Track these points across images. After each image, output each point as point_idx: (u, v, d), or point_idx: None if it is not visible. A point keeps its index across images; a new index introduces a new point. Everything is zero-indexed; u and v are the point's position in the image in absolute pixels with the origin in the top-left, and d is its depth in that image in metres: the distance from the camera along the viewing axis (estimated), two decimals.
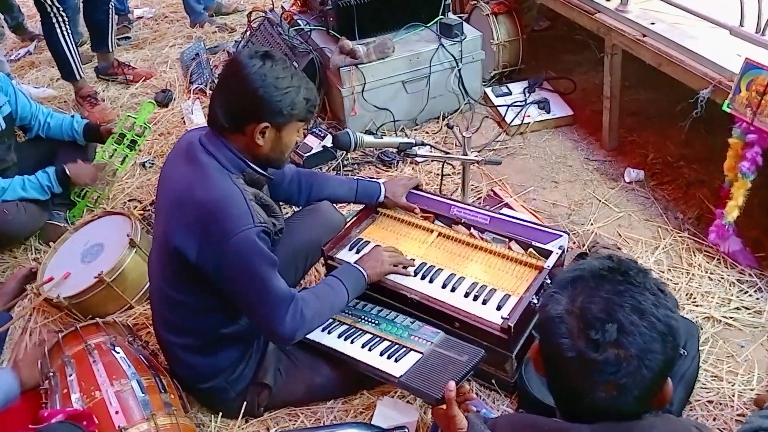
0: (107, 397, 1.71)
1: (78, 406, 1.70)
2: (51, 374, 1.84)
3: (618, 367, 0.96)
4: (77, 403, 1.72)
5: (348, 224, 2.22)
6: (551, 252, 1.99)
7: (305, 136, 3.00)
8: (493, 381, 1.97)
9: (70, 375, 1.79)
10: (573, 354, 0.98)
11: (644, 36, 2.50)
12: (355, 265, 1.94)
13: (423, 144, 2.25)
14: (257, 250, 1.66)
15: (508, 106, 3.19)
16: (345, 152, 2.94)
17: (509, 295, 1.92)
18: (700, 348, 2.01)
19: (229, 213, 1.66)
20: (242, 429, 1.94)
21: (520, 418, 1.14)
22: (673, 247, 2.44)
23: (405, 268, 2.01)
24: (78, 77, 3.57)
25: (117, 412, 1.68)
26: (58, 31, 3.43)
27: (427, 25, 3.21)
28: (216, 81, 3.54)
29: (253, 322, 1.81)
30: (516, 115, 3.14)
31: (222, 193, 1.68)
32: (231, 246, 1.64)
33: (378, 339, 1.90)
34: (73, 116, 2.96)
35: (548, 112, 3.17)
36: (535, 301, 1.89)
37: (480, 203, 2.67)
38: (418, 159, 2.94)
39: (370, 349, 1.87)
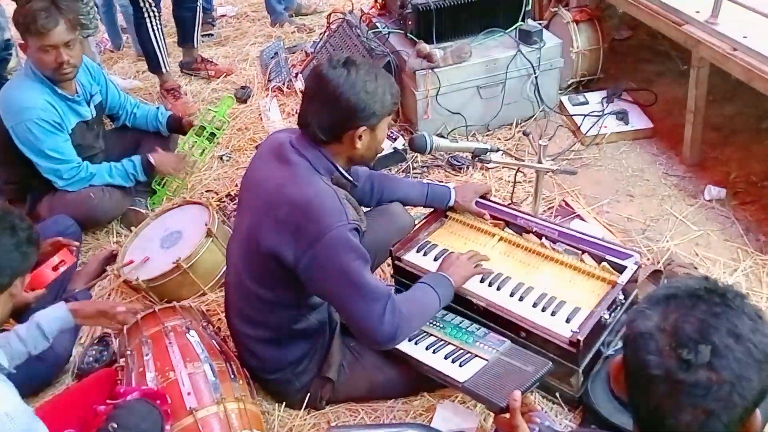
0: (180, 378, 1.78)
1: (152, 385, 1.77)
2: (128, 353, 1.92)
3: (708, 390, 0.92)
4: (152, 382, 1.79)
5: (417, 226, 2.23)
6: (626, 267, 1.94)
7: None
8: (557, 394, 1.94)
9: (147, 354, 1.87)
10: (660, 372, 0.95)
11: (735, 50, 2.41)
12: (439, 272, 1.94)
13: (497, 150, 2.23)
14: (351, 245, 1.69)
15: (585, 115, 3.13)
16: (417, 155, 2.95)
17: (579, 308, 1.88)
18: None
19: (323, 209, 1.69)
20: (304, 420, 1.98)
21: None
22: (753, 270, 2.34)
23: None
24: (164, 71, 3.73)
25: (189, 393, 1.74)
26: (149, 25, 3.59)
27: (506, 31, 3.19)
28: (293, 80, 3.66)
29: (349, 322, 1.79)
30: (592, 125, 3.07)
31: (315, 191, 1.72)
32: (326, 242, 1.67)
33: (443, 343, 1.90)
34: (158, 108, 3.09)
35: (627, 123, 3.09)
36: (607, 316, 1.85)
37: (552, 214, 2.63)
38: (489, 165, 2.92)
39: (434, 352, 1.87)
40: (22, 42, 2.53)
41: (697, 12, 2.63)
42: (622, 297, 1.92)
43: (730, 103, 3.15)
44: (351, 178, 1.85)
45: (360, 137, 1.75)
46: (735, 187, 2.72)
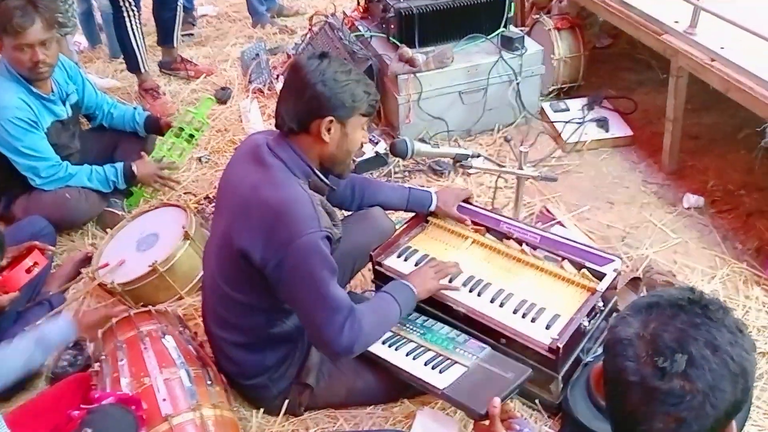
0: (156, 384, 1.75)
1: (127, 391, 1.74)
2: (102, 357, 1.89)
3: (681, 399, 0.93)
4: (126, 387, 1.76)
5: (398, 232, 2.22)
6: (605, 274, 1.95)
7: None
8: (537, 401, 1.94)
9: (121, 360, 1.84)
10: (636, 379, 0.96)
11: (713, 60, 2.44)
12: (404, 282, 1.93)
13: (478, 156, 2.23)
14: (321, 254, 1.68)
15: (566, 122, 3.15)
16: (399, 159, 2.94)
17: (559, 315, 1.89)
18: (754, 384, 1.94)
19: (295, 215, 1.67)
20: (282, 426, 1.95)
21: None
22: (731, 277, 2.36)
23: (451, 281, 2.00)
24: (143, 70, 3.68)
25: (164, 400, 1.71)
26: (128, 24, 3.54)
27: (488, 37, 3.20)
28: (274, 82, 3.63)
29: (309, 330, 1.79)
30: (573, 132, 3.09)
31: (289, 195, 1.70)
32: (295, 248, 1.65)
33: (422, 349, 1.89)
34: (135, 108, 3.05)
35: (607, 131, 3.12)
36: (586, 323, 1.86)
37: (532, 220, 2.64)
38: (471, 171, 2.92)
39: (414, 358, 1.86)
40: None
41: (676, 22, 2.66)
42: (601, 304, 1.93)
43: (708, 113, 3.19)
44: (328, 182, 1.83)
45: (329, 130, 1.72)
46: (713, 196, 2.75)
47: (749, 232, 2.54)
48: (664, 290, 1.04)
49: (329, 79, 1.69)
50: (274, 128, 1.84)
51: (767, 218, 2.58)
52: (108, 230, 2.65)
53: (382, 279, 2.13)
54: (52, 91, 2.66)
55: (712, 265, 2.43)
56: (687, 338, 0.94)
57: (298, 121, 1.74)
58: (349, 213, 2.29)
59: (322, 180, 1.80)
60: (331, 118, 1.71)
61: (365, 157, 3.01)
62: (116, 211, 2.80)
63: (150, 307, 2.08)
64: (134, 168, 2.74)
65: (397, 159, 3.02)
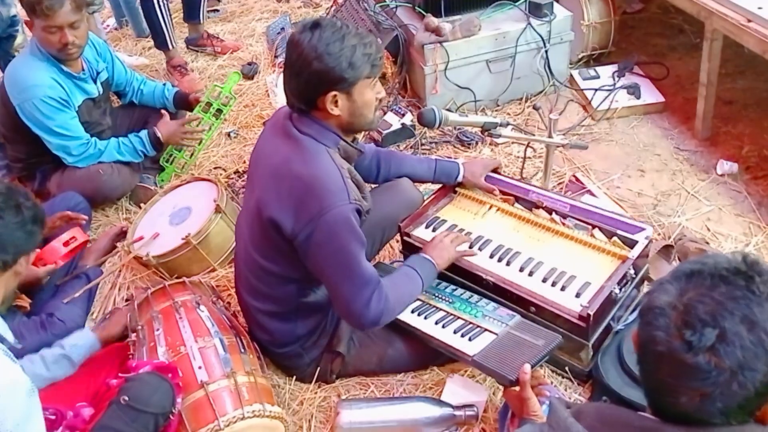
0: (191, 352, 1.79)
1: (164, 359, 1.79)
2: (139, 327, 1.93)
3: (707, 375, 0.90)
4: (163, 356, 1.80)
5: (426, 202, 2.22)
6: (636, 242, 1.93)
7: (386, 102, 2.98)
8: (567, 369, 1.94)
9: (158, 329, 1.88)
10: (663, 349, 0.94)
11: (749, 21, 2.36)
12: (423, 255, 1.94)
13: (507, 124, 2.21)
14: (350, 226, 1.69)
15: (596, 89, 3.09)
16: (427, 129, 2.93)
17: (589, 283, 1.88)
18: None
19: (326, 188, 1.68)
20: (314, 393, 1.99)
21: (610, 411, 1.10)
22: (765, 244, 2.32)
23: (470, 247, 2.01)
24: (170, 47, 3.70)
25: (200, 367, 1.75)
26: (155, 2, 3.55)
27: (516, 4, 3.14)
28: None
29: (336, 302, 1.81)
30: (603, 100, 3.04)
31: (320, 168, 1.71)
32: (325, 220, 1.67)
33: (452, 317, 1.90)
34: (164, 84, 3.08)
35: (638, 97, 3.05)
36: (617, 291, 1.84)
37: (562, 189, 2.61)
38: (498, 140, 2.90)
39: (443, 326, 1.88)
40: (29, 19, 2.51)
41: None
42: (632, 272, 1.91)
43: (743, 77, 3.11)
44: (356, 146, 1.83)
45: (335, 103, 1.70)
46: (747, 162, 2.69)
47: None
48: (714, 255, 0.99)
49: (323, 54, 1.64)
50: None
51: None
52: (141, 205, 2.70)
53: (410, 250, 2.13)
54: (83, 70, 2.69)
55: (746, 232, 2.38)
56: (722, 311, 0.91)
57: (304, 100, 1.73)
58: (376, 185, 2.30)
59: (350, 144, 1.80)
60: (333, 92, 1.68)
61: (392, 129, 3.00)
62: (149, 186, 2.85)
63: (184, 278, 2.11)
64: (157, 132, 2.77)
65: (423, 130, 3.01)
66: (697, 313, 0.92)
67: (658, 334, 0.94)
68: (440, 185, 2.27)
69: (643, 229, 1.97)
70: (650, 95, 3.08)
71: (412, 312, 1.93)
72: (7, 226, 1.55)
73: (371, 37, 1.76)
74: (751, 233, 2.37)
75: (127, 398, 1.56)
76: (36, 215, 1.63)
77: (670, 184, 2.65)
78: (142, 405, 1.57)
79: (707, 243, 2.29)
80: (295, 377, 2.03)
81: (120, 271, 2.50)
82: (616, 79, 3.14)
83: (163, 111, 2.87)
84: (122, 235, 2.60)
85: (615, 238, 1.98)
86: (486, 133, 2.19)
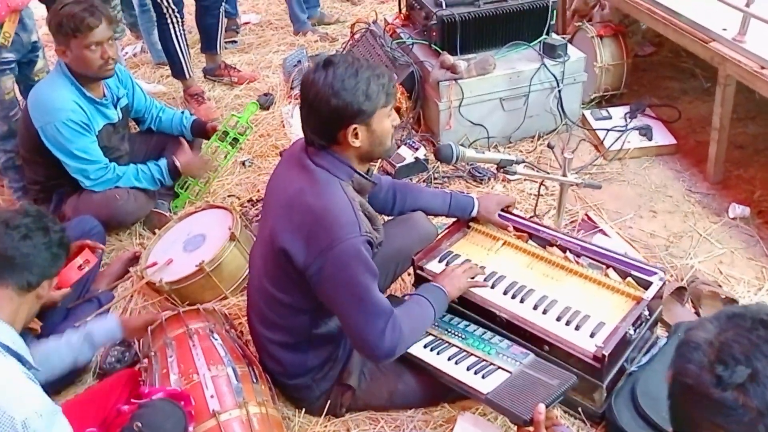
0: (204, 380, 1.79)
1: (176, 387, 1.78)
2: (152, 354, 1.93)
3: (732, 412, 0.91)
4: (176, 383, 1.80)
5: (439, 236, 2.23)
6: (651, 283, 1.93)
7: (401, 136, 3.02)
8: (580, 409, 1.93)
9: (171, 356, 1.88)
10: (692, 382, 0.95)
11: (763, 68, 2.40)
12: (435, 284, 1.95)
13: (523, 162, 2.23)
14: (362, 259, 1.70)
15: (608, 130, 3.13)
16: (438, 165, 2.96)
17: (604, 323, 1.87)
18: None
19: (337, 220, 1.70)
20: (324, 427, 1.97)
21: None
22: None
23: (484, 280, 2.02)
24: (187, 76, 3.76)
25: (212, 396, 1.75)
26: (172, 31, 3.63)
27: (530, 44, 3.20)
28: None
29: (350, 335, 1.81)
30: (615, 140, 3.07)
31: (331, 200, 1.73)
32: (336, 253, 1.68)
33: (465, 353, 1.90)
34: (183, 112, 3.12)
35: (650, 139, 3.08)
36: (632, 332, 1.84)
37: (574, 227, 2.62)
38: (511, 177, 2.92)
39: (456, 363, 1.87)
40: (58, 46, 2.56)
41: (724, 29, 2.62)
42: (647, 313, 1.91)
43: (754, 122, 3.14)
44: (370, 179, 1.85)
45: (356, 135, 1.73)
46: (759, 206, 2.70)
47: None
48: (759, 304, 1.02)
49: (339, 90, 1.68)
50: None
51: None
52: (156, 231, 2.72)
53: (423, 283, 2.14)
54: (104, 96, 2.74)
55: (758, 276, 2.38)
56: (756, 353, 0.92)
57: (324, 137, 1.76)
58: (391, 218, 2.32)
59: (364, 177, 1.82)
60: (354, 126, 1.72)
61: (405, 162, 3.03)
62: (163, 213, 2.87)
63: (198, 305, 2.12)
64: (177, 162, 2.81)
65: (437, 164, 3.04)
66: (731, 351, 0.93)
67: (690, 367, 0.96)
68: (454, 219, 2.29)
69: (655, 273, 1.97)
70: (662, 137, 3.11)
71: (425, 347, 1.93)
72: (35, 246, 1.58)
73: (382, 67, 1.82)
74: (764, 277, 2.37)
75: (140, 425, 1.55)
76: (62, 239, 1.66)
77: (682, 226, 2.66)
78: None
79: (720, 286, 2.29)
80: (304, 410, 2.01)
81: (132, 296, 2.51)
82: (628, 120, 3.17)
83: (182, 140, 2.91)
84: (135, 260, 2.61)
85: (629, 279, 1.98)
86: (501, 170, 2.21)
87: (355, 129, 1.72)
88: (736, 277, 2.38)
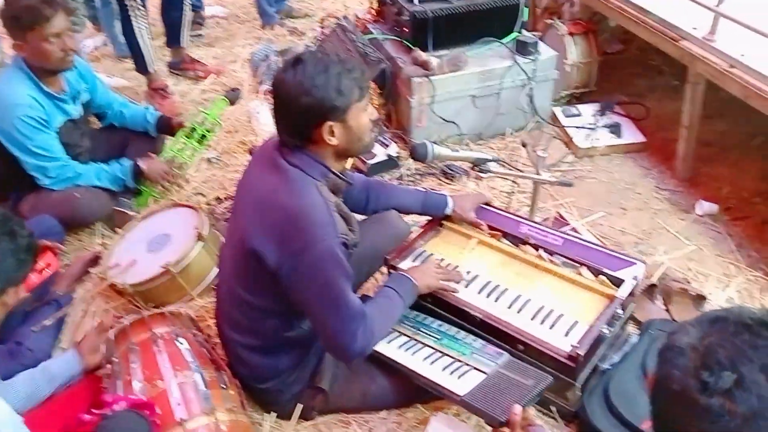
0: (170, 387, 1.72)
1: (140, 394, 1.71)
2: (114, 360, 1.86)
3: (718, 419, 0.89)
4: (140, 391, 1.73)
5: (413, 235, 2.20)
6: (623, 281, 1.93)
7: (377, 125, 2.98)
8: (553, 408, 1.92)
9: (134, 362, 1.81)
10: (678, 388, 0.93)
11: (732, 67, 2.42)
12: (406, 275, 1.92)
13: (498, 160, 2.21)
14: (336, 261, 1.66)
15: (578, 127, 3.13)
16: (410, 162, 2.93)
17: (577, 322, 1.87)
18: None
19: (312, 221, 1.65)
20: (295, 431, 1.93)
21: None
22: (746, 286, 2.35)
23: (456, 283, 1.99)
24: (151, 70, 3.65)
25: (179, 404, 1.69)
26: (135, 23, 3.51)
27: (502, 42, 3.18)
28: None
29: (321, 335, 1.77)
30: (586, 138, 3.07)
31: (306, 200, 1.68)
32: (311, 255, 1.64)
33: (439, 354, 1.87)
34: (147, 108, 3.03)
35: (619, 136, 3.10)
36: (606, 331, 1.83)
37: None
38: (483, 175, 2.90)
39: (431, 364, 1.84)
40: (14, 41, 2.45)
41: (695, 28, 2.65)
42: (620, 311, 1.91)
43: (721, 120, 3.17)
44: (345, 178, 1.81)
45: (332, 133, 1.68)
46: (727, 203, 2.74)
47: (764, 240, 2.53)
48: (740, 307, 1.00)
49: (310, 87, 1.63)
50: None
51: None
52: (118, 230, 2.63)
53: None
54: (64, 90, 2.64)
55: (726, 272, 2.41)
56: (742, 358, 0.90)
57: (298, 136, 1.71)
58: (365, 217, 2.27)
59: (339, 176, 1.78)
60: (329, 123, 1.67)
61: (376, 160, 2.99)
62: (126, 211, 2.77)
63: (164, 309, 2.05)
64: (141, 165, 2.72)
65: (408, 162, 3.00)
66: (716, 356, 0.91)
67: (675, 373, 0.94)
68: (428, 218, 2.26)
69: (633, 264, 1.97)
70: (631, 135, 3.13)
71: (399, 348, 1.90)
72: (1, 253, 1.49)
73: (353, 61, 1.79)
74: (732, 274, 2.40)
75: None
76: (30, 245, 1.58)
77: (651, 223, 2.68)
78: None
79: (689, 283, 2.30)
80: (275, 414, 1.96)
81: (93, 298, 2.42)
82: (598, 117, 3.19)
83: (152, 155, 2.81)
84: (96, 261, 2.51)
85: (602, 277, 1.98)
86: (476, 169, 2.19)
87: (330, 126, 1.67)
88: (705, 273, 2.41)
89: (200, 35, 4.44)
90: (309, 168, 1.72)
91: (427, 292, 1.95)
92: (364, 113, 1.74)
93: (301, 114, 1.66)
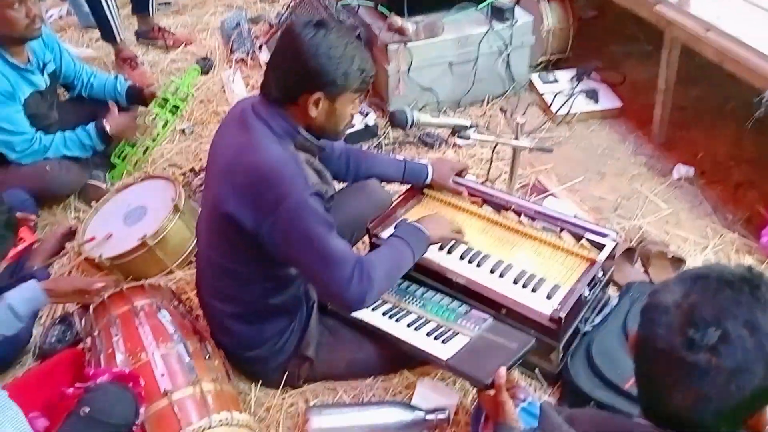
0: (153, 359, 1.70)
1: (123, 367, 1.69)
2: (95, 333, 1.83)
3: (705, 374, 0.91)
4: (122, 363, 1.71)
5: (394, 204, 2.19)
6: (604, 245, 1.95)
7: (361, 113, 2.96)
8: (537, 370, 1.95)
9: (116, 335, 1.78)
10: (663, 346, 0.94)
11: (707, 31, 2.43)
12: (416, 224, 1.88)
13: (476, 127, 2.20)
14: (311, 211, 1.62)
15: (555, 94, 3.13)
16: (388, 131, 2.91)
17: (559, 286, 1.88)
18: None
19: (281, 175, 1.62)
20: (282, 399, 1.93)
21: (603, 417, 1.09)
22: (722, 248, 2.39)
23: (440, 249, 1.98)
24: (118, 39, 3.55)
25: (162, 375, 1.67)
26: None
27: (479, 7, 3.15)
28: (257, 51, 3.55)
29: (317, 288, 1.77)
30: (563, 104, 3.08)
31: (272, 156, 1.64)
32: (285, 209, 1.60)
33: (423, 320, 1.88)
34: (116, 78, 2.95)
35: (596, 102, 3.11)
36: (587, 293, 1.86)
37: (525, 192, 2.63)
38: (461, 143, 2.90)
39: (416, 329, 1.85)
40: None
41: None
42: (601, 274, 1.93)
43: (695, 85, 3.20)
44: (316, 142, 1.76)
45: (316, 104, 1.66)
46: (702, 167, 2.77)
47: (739, 203, 2.57)
48: (720, 264, 1.02)
49: (323, 54, 1.61)
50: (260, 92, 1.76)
51: (756, 189, 2.61)
52: (92, 204, 2.57)
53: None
54: (29, 61, 2.55)
55: (704, 235, 2.45)
56: (726, 314, 0.92)
57: (286, 91, 1.68)
58: (345, 185, 2.25)
59: (308, 140, 1.73)
60: (319, 94, 1.65)
61: (354, 129, 2.96)
62: (99, 184, 2.71)
63: (143, 281, 2.02)
64: (105, 125, 2.65)
65: (386, 131, 2.98)
66: (701, 313, 0.93)
67: (660, 331, 0.95)
68: (408, 186, 2.25)
69: (608, 235, 1.99)
70: (608, 100, 3.14)
71: (383, 315, 1.90)
72: None
73: (370, 58, 1.75)
74: (709, 236, 2.44)
75: (87, 410, 1.47)
76: (9, 220, 1.53)
77: (629, 188, 2.70)
78: (104, 417, 1.48)
79: (667, 246, 2.34)
80: (261, 382, 1.96)
81: (70, 272, 2.37)
82: (575, 83, 3.19)
83: (111, 104, 2.74)
84: (71, 235, 2.46)
85: (583, 241, 1.99)
86: (456, 135, 2.18)
87: (318, 98, 1.65)
88: (683, 236, 2.44)
89: (168, 3, 4.33)
90: (276, 125, 1.68)
91: (439, 242, 1.91)
92: (351, 105, 1.74)
93: (300, 74, 1.63)
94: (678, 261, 2.25)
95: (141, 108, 2.96)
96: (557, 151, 2.89)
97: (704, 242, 2.40)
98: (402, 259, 1.79)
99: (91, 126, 2.65)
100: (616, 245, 1.98)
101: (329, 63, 1.62)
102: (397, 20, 2.99)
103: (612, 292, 2.17)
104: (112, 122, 2.67)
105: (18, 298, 1.77)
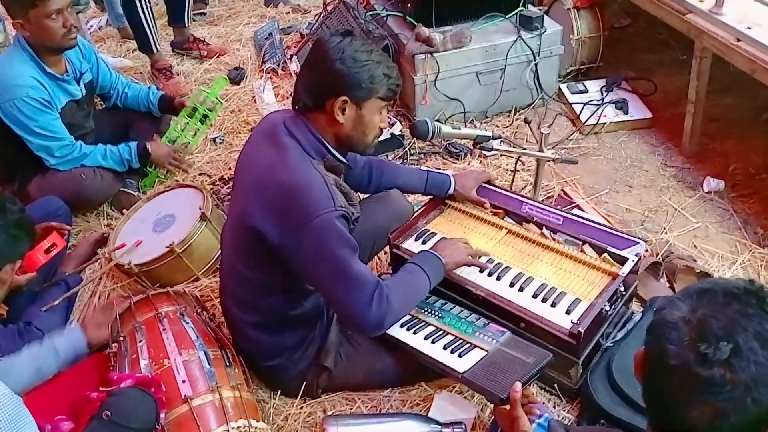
0: (175, 365, 1.74)
1: (146, 372, 1.74)
2: (121, 339, 1.88)
3: (720, 389, 0.90)
4: (145, 369, 1.75)
5: (415, 214, 2.20)
6: (627, 259, 1.93)
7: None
8: (555, 386, 1.93)
9: (140, 341, 1.83)
10: (676, 362, 0.93)
11: (739, 40, 2.38)
12: (432, 252, 1.90)
13: (499, 138, 2.20)
14: (338, 233, 1.66)
15: (584, 104, 3.10)
16: (415, 141, 2.91)
17: (580, 300, 1.87)
18: None
19: (310, 196, 1.65)
20: (300, 408, 1.95)
21: None
22: (752, 263, 2.33)
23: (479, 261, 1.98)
24: (154, 50, 3.65)
25: (184, 381, 1.71)
26: (138, 4, 3.51)
27: (507, 17, 3.14)
28: (288, 62, 3.60)
29: (336, 310, 1.79)
30: (591, 114, 3.05)
31: (303, 176, 1.68)
32: (311, 229, 1.64)
33: (442, 332, 1.88)
34: (149, 88, 3.03)
35: (626, 113, 3.07)
36: (608, 308, 1.84)
37: (551, 203, 2.60)
38: (487, 153, 2.88)
39: (433, 342, 1.85)
40: (15, 20, 2.45)
41: (701, 1, 2.60)
42: (622, 289, 1.90)
43: (729, 95, 3.13)
44: (345, 161, 1.80)
45: (343, 110, 1.69)
46: (734, 180, 2.71)
47: None
48: (723, 278, 1.01)
49: (348, 57, 1.66)
50: (291, 106, 1.81)
51: None
52: (123, 211, 2.65)
53: (399, 262, 2.10)
54: (66, 71, 2.64)
55: (732, 250, 2.40)
56: (736, 327, 0.91)
57: (313, 97, 1.72)
58: (367, 195, 2.27)
59: (338, 159, 1.78)
60: (345, 98, 1.68)
61: (380, 138, 2.96)
62: (131, 192, 2.79)
63: (168, 288, 2.07)
64: (149, 147, 2.73)
65: (413, 140, 2.99)
66: (710, 327, 0.92)
67: (671, 348, 0.94)
68: (430, 197, 2.25)
69: (636, 243, 1.96)
70: (638, 111, 3.09)
71: (402, 326, 1.90)
72: None
73: (396, 67, 1.78)
74: (738, 251, 2.38)
75: (109, 413, 1.51)
76: (21, 220, 1.58)
77: (657, 201, 2.66)
78: (125, 421, 1.52)
79: (695, 260, 2.29)
80: (280, 391, 1.98)
81: (100, 278, 2.44)
82: (605, 93, 3.15)
83: (156, 136, 2.84)
84: (103, 241, 2.54)
85: (605, 255, 1.97)
86: (478, 146, 2.18)
87: (344, 102, 1.68)
88: (711, 251, 2.39)
89: (203, 14, 4.43)
90: (308, 145, 1.72)
91: (455, 268, 1.93)
92: (379, 115, 1.77)
93: (327, 77, 1.68)
94: (705, 276, 2.20)
95: (173, 117, 3.03)
96: (585, 162, 2.87)
97: (733, 257, 2.35)
98: (419, 286, 1.83)
99: (133, 145, 2.72)
100: (638, 259, 1.95)
101: (354, 65, 1.66)
102: (425, 30, 3.00)
103: (636, 307, 2.14)
104: (155, 147, 2.76)
105: (64, 344, 1.84)
